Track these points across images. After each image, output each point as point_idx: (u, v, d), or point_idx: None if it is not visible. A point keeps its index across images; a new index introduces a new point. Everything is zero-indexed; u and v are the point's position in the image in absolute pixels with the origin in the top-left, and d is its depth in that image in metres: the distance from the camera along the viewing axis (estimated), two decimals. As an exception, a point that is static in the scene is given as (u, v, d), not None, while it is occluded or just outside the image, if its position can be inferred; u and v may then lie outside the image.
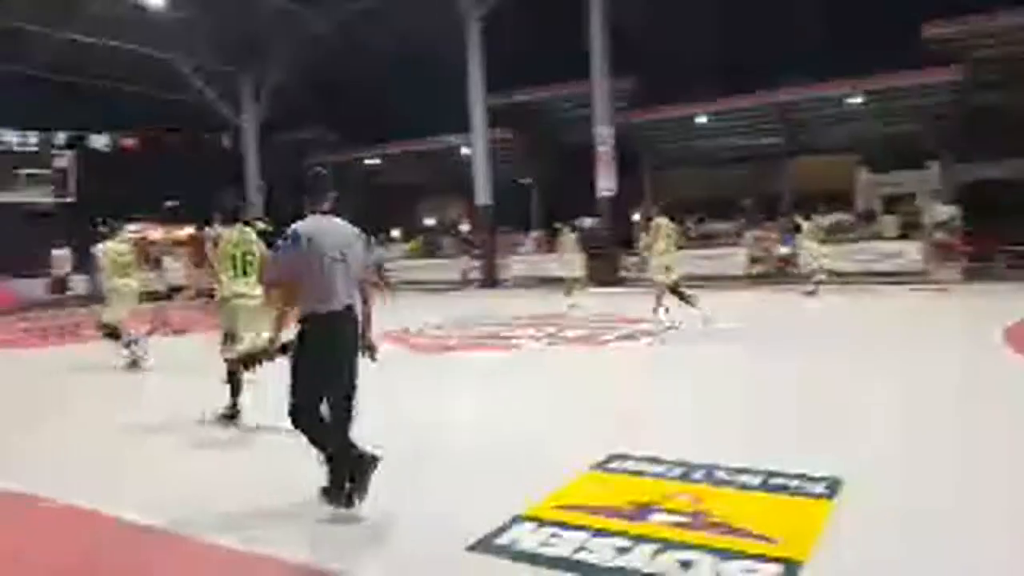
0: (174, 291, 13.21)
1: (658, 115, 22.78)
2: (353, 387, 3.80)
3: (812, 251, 14.89)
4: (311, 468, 3.77)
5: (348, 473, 3.64)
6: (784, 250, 18.85)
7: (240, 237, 5.80)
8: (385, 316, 12.65)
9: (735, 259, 19.26)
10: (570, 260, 12.89)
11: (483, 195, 21.98)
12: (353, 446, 3.71)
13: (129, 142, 23.71)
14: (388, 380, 7.88)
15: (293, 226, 3.73)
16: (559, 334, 10.39)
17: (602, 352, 8.94)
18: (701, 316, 10.14)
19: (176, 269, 13.35)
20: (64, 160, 19.80)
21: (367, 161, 28.61)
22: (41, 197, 18.93)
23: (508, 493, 3.82)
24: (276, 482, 4.28)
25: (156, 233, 29.29)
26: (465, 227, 28.54)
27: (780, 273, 18.56)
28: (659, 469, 4.13)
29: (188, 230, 30.61)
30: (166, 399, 7.16)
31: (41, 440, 5.70)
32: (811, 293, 14.50)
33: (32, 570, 3.38)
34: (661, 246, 10.26)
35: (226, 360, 5.79)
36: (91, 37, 22.44)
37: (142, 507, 3.88)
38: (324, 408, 3.75)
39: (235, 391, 5.82)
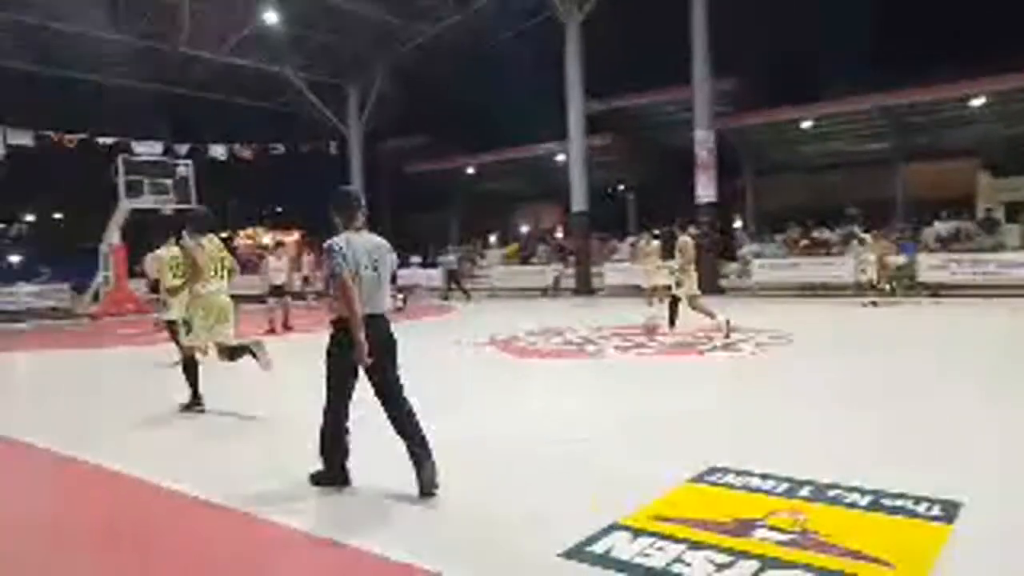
0: (276, 290, 13.81)
1: (761, 119, 22.13)
2: (396, 381, 4.18)
3: (870, 263, 15.47)
4: (391, 462, 3.84)
5: (340, 463, 4.19)
6: (900, 260, 17.87)
7: (217, 245, 6.63)
8: (480, 321, 12.92)
9: (842, 269, 18.40)
10: (650, 269, 12.34)
11: (578, 202, 21.89)
12: (422, 436, 4.11)
13: (244, 152, 25.02)
14: (482, 384, 8.04)
15: (328, 242, 4.11)
16: (656, 343, 10.23)
17: (700, 362, 8.74)
18: (672, 330, 10.78)
19: (278, 270, 13.87)
20: (184, 169, 21.06)
21: (467, 169, 29.09)
22: (163, 204, 20.20)
23: (602, 501, 3.78)
24: (362, 476, 4.38)
25: (265, 238, 30.79)
26: (560, 234, 28.59)
27: (893, 284, 17.61)
28: (761, 484, 3.99)
29: (295, 235, 32.06)
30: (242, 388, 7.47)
31: (118, 421, 6.16)
32: (873, 304, 14.82)
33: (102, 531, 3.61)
34: (681, 262, 10.88)
35: (184, 351, 6.58)
36: (212, 54, 23.90)
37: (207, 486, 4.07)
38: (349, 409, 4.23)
39: (193, 380, 6.52)
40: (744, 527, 3.40)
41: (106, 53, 23.05)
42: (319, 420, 4.23)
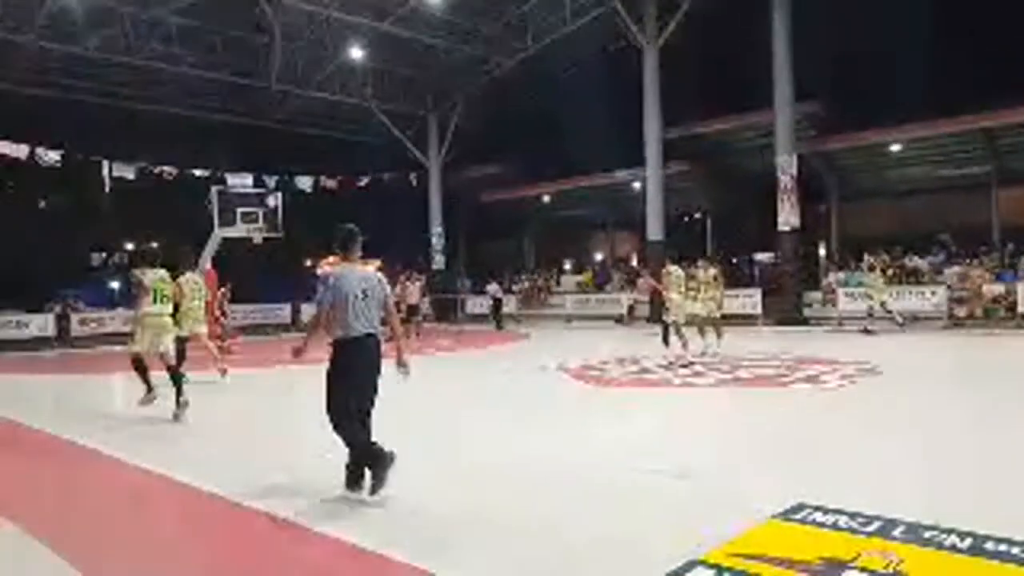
0: None
1: (847, 142, 21.47)
2: (373, 397, 4.69)
3: (875, 290, 16.17)
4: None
5: (368, 466, 4.54)
6: (997, 288, 16.99)
7: (159, 276, 8.20)
8: (554, 349, 12.94)
9: (934, 299, 17.58)
10: (677, 300, 12.02)
11: (655, 231, 21.70)
12: (374, 444, 4.57)
13: (329, 183, 25.96)
14: (557, 412, 8.03)
15: (323, 272, 4.80)
16: (736, 373, 10.01)
17: (783, 393, 8.49)
18: (665, 356, 11.65)
19: None
20: (273, 200, 21.96)
21: (542, 197, 29.28)
22: (254, 233, 21.08)
23: (681, 535, 3.71)
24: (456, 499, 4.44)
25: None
26: (635, 261, 28.37)
27: (988, 315, 16.72)
28: (851, 522, 3.82)
29: (375, 263, 32.83)
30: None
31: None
32: (870, 331, 15.56)
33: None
34: (673, 293, 11.70)
35: (131, 353, 8.03)
36: (300, 89, 25.00)
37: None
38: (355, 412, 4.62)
39: (144, 377, 8.03)
40: (832, 568, 3.27)
41: (202, 90, 24.43)
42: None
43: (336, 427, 4.59)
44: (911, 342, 14.40)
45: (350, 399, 4.58)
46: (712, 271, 12.79)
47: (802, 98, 19.43)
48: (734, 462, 5.42)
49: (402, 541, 3.79)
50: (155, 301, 8.04)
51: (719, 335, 12.40)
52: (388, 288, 4.90)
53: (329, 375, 4.62)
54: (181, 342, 10.36)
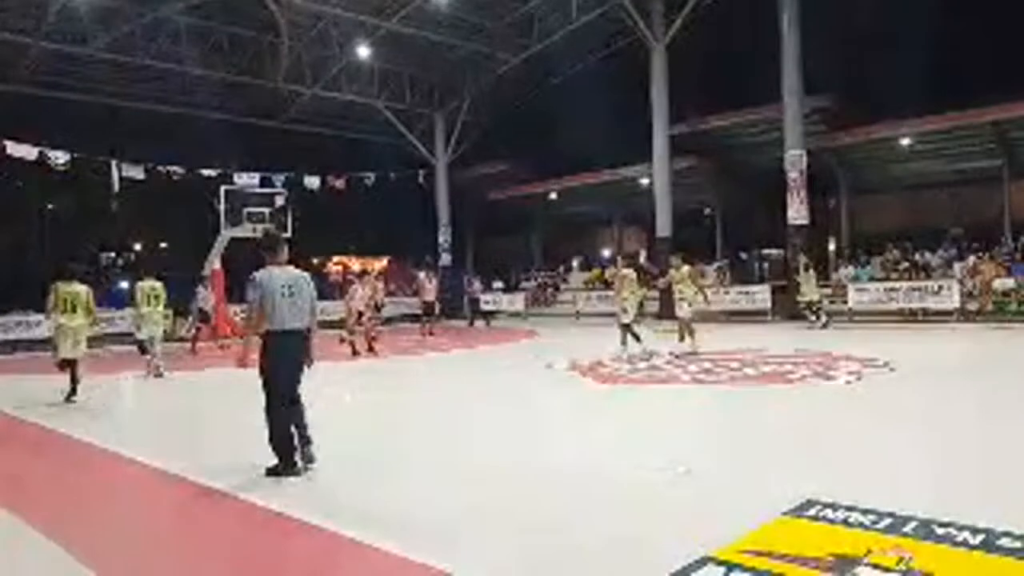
0: (360, 316, 14.39)
1: (856, 137, 21.32)
2: (297, 383, 5.26)
3: (812, 288, 17.02)
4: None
5: (296, 448, 5.11)
6: (1008, 283, 16.84)
7: (69, 288, 9.24)
8: (563, 346, 12.90)
9: (945, 293, 17.43)
10: (627, 299, 12.11)
11: (663, 227, 21.63)
12: (292, 433, 5.12)
13: (336, 182, 25.99)
14: (566, 410, 8.00)
15: (253, 274, 5.21)
16: (744, 369, 9.95)
17: (794, 390, 8.42)
18: (621, 354, 11.73)
19: (362, 298, 14.52)
20: (281, 199, 21.98)
21: (549, 194, 29.24)
22: (261, 233, 21.11)
23: (692, 532, 3.68)
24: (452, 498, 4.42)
25: (355, 265, 31.75)
26: (643, 258, 28.30)
27: (1000, 309, 16.58)
28: (862, 519, 3.78)
29: (383, 262, 32.95)
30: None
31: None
32: (824, 326, 16.30)
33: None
34: (625, 293, 12.07)
35: (56, 360, 9.30)
36: (306, 89, 25.03)
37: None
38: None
39: (73, 379, 9.24)
40: (844, 564, 3.24)
41: (210, 90, 24.48)
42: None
43: (268, 410, 5.15)
44: (922, 337, 14.30)
45: (280, 386, 5.15)
46: (685, 268, 12.32)
47: (811, 92, 19.31)
48: (744, 459, 5.39)
49: (409, 537, 3.77)
50: (65, 311, 9.20)
51: (691, 335, 11.94)
52: (314, 288, 5.43)
53: (262, 365, 5.15)
54: (141, 343, 12.17)
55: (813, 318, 16.59)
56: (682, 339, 11.97)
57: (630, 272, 12.49)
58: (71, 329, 9.18)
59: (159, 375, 11.61)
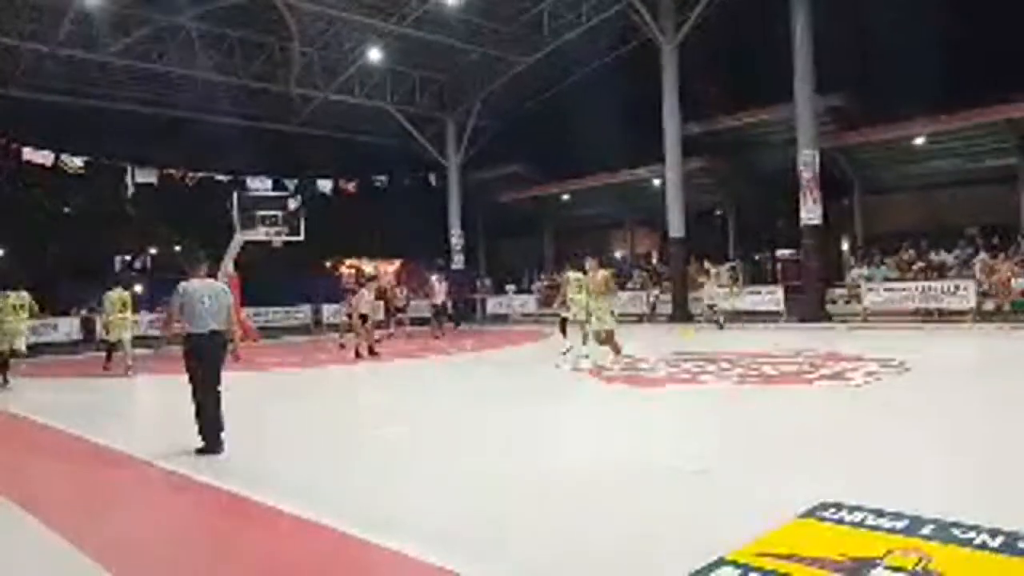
0: (363, 318, 14.49)
1: (870, 136, 21.14)
2: (218, 379, 6.23)
3: (713, 295, 18.48)
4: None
5: (213, 431, 6.07)
6: (1024, 282, 16.66)
7: (15, 296, 12.24)
8: (577, 347, 12.85)
9: (961, 293, 17.27)
10: (575, 302, 11.98)
11: (676, 227, 21.56)
12: (219, 418, 6.14)
13: (348, 186, 26.10)
14: (581, 411, 8.00)
15: (179, 285, 6.24)
16: (759, 371, 9.91)
17: (807, 391, 8.38)
18: (567, 353, 12.25)
19: (368, 301, 14.76)
20: (294, 203, 22.09)
21: (561, 196, 29.21)
22: (275, 236, 21.23)
23: (707, 534, 3.67)
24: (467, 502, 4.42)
25: (368, 268, 31.82)
26: (655, 259, 28.22)
27: (1017, 309, 16.41)
28: (878, 521, 3.75)
29: (395, 264, 33.02)
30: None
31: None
32: (720, 326, 17.69)
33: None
34: (569, 294, 12.30)
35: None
36: (318, 93, 25.16)
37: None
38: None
39: (3, 368, 11.99)
40: (861, 567, 3.22)
41: (222, 95, 24.65)
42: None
43: (195, 398, 6.16)
44: (938, 337, 14.19)
45: (202, 376, 6.15)
46: (601, 273, 11.22)
47: (823, 91, 19.18)
48: (759, 460, 5.37)
49: (419, 540, 3.77)
50: (15, 312, 12.15)
51: (616, 350, 10.83)
52: (230, 296, 6.49)
53: (186, 361, 6.20)
54: (110, 346, 13.62)
55: (718, 320, 17.40)
56: (617, 352, 10.80)
57: (575, 274, 12.42)
58: (11, 328, 11.98)
59: (128, 374, 12.99)
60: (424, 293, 24.50)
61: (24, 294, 12.57)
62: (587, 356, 11.35)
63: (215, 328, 6.19)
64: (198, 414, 6.15)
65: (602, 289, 10.96)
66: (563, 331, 13.31)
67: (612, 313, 11.03)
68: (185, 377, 6.24)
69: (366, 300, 14.69)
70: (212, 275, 6.62)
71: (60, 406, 10.04)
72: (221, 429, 6.12)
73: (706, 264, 19.32)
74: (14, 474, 6.11)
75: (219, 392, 6.20)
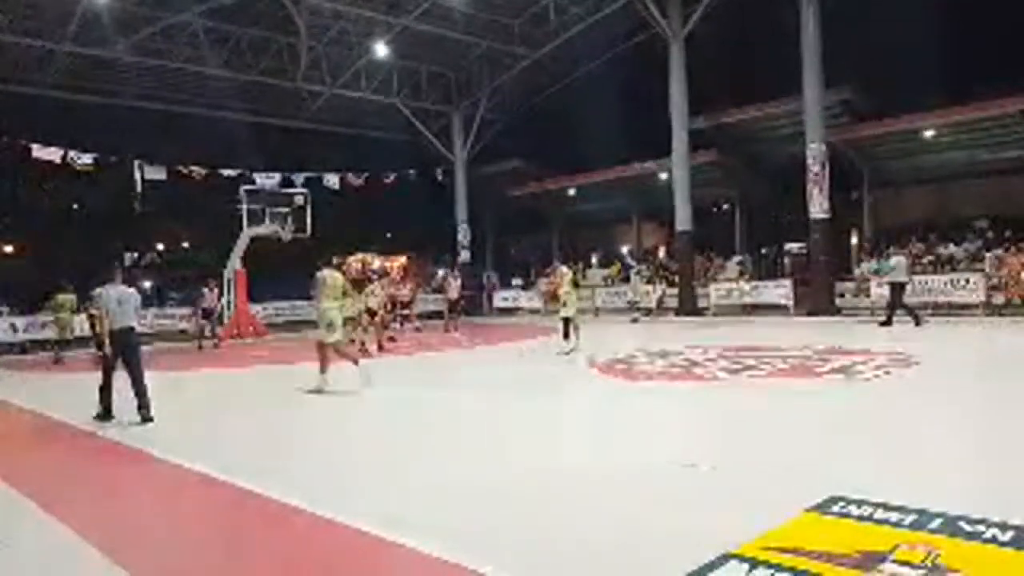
0: (371, 313, 14.51)
1: (878, 129, 21.01)
2: (137, 364, 7.71)
3: (641, 289, 20.31)
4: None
5: (107, 411, 7.78)
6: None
7: (63, 296, 14.55)
8: (582, 343, 12.89)
9: (971, 286, 17.18)
10: (569, 294, 13.04)
11: (683, 221, 21.51)
12: (143, 392, 7.66)
13: (356, 181, 26.15)
14: (587, 407, 7.99)
15: (97, 289, 7.90)
16: (766, 364, 9.88)
17: (816, 385, 8.36)
18: (566, 348, 12.55)
19: (376, 295, 14.80)
20: (301, 198, 22.17)
21: (568, 191, 29.16)
22: (281, 232, 21.31)
23: (714, 529, 3.66)
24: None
25: (375, 262, 31.83)
26: (663, 253, 28.16)
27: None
28: (887, 515, 3.74)
29: (402, 259, 33.04)
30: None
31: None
32: (635, 320, 19.30)
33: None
34: (565, 289, 12.88)
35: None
36: (325, 88, 25.18)
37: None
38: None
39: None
40: (869, 560, 3.21)
41: (229, 91, 24.71)
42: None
43: (105, 373, 7.79)
44: (948, 331, 14.12)
45: (111, 362, 7.74)
46: (566, 272, 13.39)
47: (832, 84, 19.08)
48: (767, 454, 5.36)
49: (427, 537, 3.79)
50: (63, 311, 14.93)
51: (573, 334, 12.83)
52: (138, 299, 7.95)
53: (101, 351, 8.22)
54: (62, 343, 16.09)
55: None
56: (566, 337, 12.64)
57: (566, 269, 13.67)
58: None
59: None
60: (432, 288, 24.55)
61: (71, 296, 16.52)
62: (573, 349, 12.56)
63: (124, 325, 7.68)
64: (102, 389, 7.79)
65: (569, 285, 13.03)
66: (566, 332, 13.00)
67: (574, 304, 12.96)
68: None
69: (378, 295, 14.79)
70: (126, 282, 7.99)
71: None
72: (146, 399, 7.60)
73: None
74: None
75: (141, 371, 7.69)
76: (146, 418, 7.49)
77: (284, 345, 18.05)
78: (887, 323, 14.79)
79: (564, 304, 12.93)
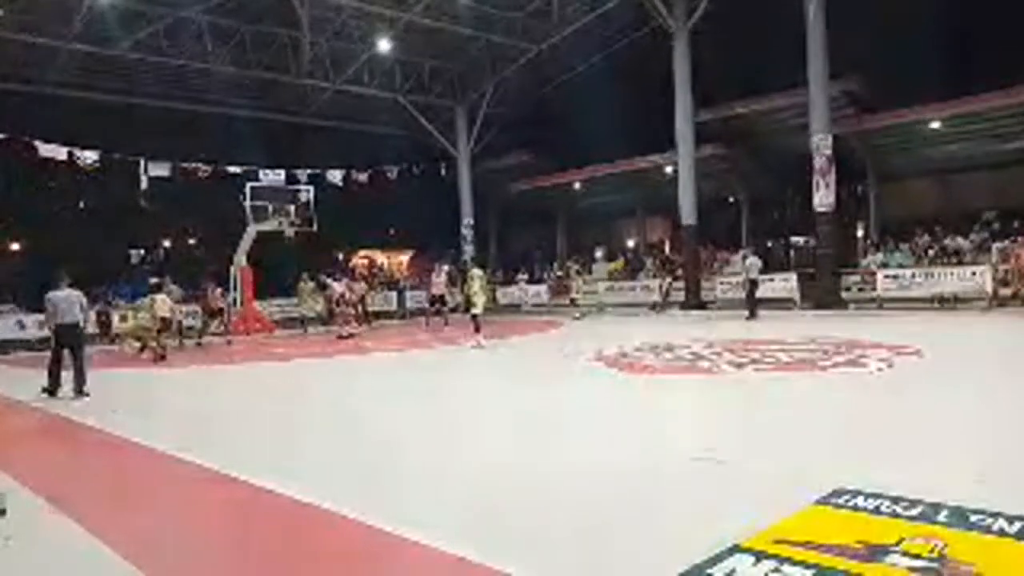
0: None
1: (885, 121, 20.90)
2: (79, 351, 9.48)
3: (581, 288, 21.73)
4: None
5: (54, 388, 9.49)
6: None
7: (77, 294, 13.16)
8: (587, 337, 12.90)
9: (977, 279, 17.09)
10: (476, 294, 14.20)
11: (688, 215, 21.46)
12: (82, 371, 9.48)
13: (359, 177, 26.16)
14: (593, 401, 7.99)
15: (47, 294, 9.45)
16: (773, 358, 9.87)
17: (821, 378, 8.34)
18: (482, 342, 13.58)
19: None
20: (306, 194, 22.19)
21: (572, 185, 29.13)
22: (287, 228, 21.33)
23: (722, 521, 3.66)
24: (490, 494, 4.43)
25: (381, 258, 31.88)
26: (668, 247, 28.12)
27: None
28: (893, 507, 3.74)
29: (407, 255, 33.07)
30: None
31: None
32: (578, 318, 20.13)
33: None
34: (475, 289, 14.08)
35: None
36: (328, 84, 25.19)
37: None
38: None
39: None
40: (875, 552, 3.21)
41: (233, 88, 24.73)
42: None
43: (53, 358, 9.45)
44: (954, 324, 14.07)
45: (56, 350, 9.45)
46: (475, 272, 14.66)
47: (837, 75, 18.98)
48: (775, 447, 5.35)
49: (445, 531, 3.80)
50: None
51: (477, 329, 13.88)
52: (84, 299, 9.68)
53: (51, 343, 9.51)
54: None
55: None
56: (477, 331, 13.79)
57: (478, 271, 14.70)
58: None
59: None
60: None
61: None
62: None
63: (69, 321, 9.36)
64: (50, 372, 9.45)
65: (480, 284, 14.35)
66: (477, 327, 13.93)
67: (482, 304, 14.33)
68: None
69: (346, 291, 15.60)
70: (71, 285, 9.58)
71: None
72: (83, 376, 9.35)
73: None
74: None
75: (82, 357, 9.45)
76: (79, 392, 9.20)
77: (293, 341, 18.09)
78: (752, 317, 17.29)
79: (474, 304, 14.11)
